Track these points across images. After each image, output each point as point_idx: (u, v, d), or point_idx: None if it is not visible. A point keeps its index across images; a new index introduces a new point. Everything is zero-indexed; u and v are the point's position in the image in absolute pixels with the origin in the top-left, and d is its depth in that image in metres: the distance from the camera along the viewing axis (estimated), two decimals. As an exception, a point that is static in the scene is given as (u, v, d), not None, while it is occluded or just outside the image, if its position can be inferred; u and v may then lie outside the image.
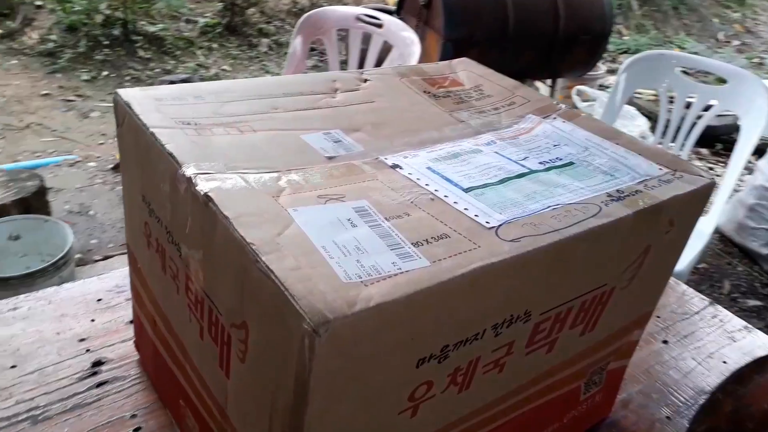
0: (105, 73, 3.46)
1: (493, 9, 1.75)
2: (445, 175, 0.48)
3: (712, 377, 0.75)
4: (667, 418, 0.68)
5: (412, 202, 0.44)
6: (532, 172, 0.50)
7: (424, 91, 0.64)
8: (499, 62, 2.02)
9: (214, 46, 3.93)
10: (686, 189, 0.51)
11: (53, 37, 3.48)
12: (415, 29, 1.91)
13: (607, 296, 0.51)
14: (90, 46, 3.51)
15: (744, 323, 0.86)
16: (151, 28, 3.76)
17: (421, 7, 1.86)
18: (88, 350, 0.68)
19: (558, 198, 0.46)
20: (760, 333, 0.84)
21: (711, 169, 3.10)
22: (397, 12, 2.03)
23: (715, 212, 1.54)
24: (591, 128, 0.59)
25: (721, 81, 1.62)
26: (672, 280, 0.93)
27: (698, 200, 0.53)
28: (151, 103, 0.51)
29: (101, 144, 2.87)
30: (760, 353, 0.80)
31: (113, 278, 0.79)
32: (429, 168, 0.49)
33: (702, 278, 2.20)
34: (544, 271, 0.42)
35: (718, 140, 3.21)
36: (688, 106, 1.62)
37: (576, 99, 2.39)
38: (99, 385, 0.64)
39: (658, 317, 0.85)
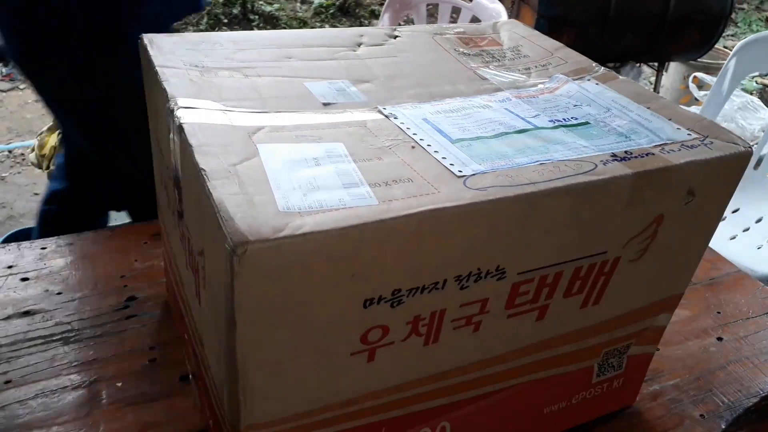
0: (223, 50, 3.67)
1: (590, -11, 1.65)
2: (439, 126, 0.46)
3: (765, 384, 0.67)
4: (701, 416, 0.62)
5: (389, 148, 0.43)
6: (535, 128, 0.47)
7: (454, 49, 0.62)
8: (597, 44, 1.91)
9: (326, 26, 4.03)
10: (710, 155, 0.45)
11: (180, 15, 3.73)
12: (511, 5, 1.84)
13: (610, 267, 0.47)
14: (211, 24, 3.72)
15: (822, 330, 0.76)
16: (268, 8, 3.93)
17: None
18: (125, 286, 0.73)
19: (552, 154, 0.43)
20: (839, 342, 0.74)
21: None
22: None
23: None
24: (623, 91, 0.54)
25: None
26: (745, 275, 0.85)
27: (728, 169, 0.47)
28: (168, 46, 0.54)
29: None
30: (834, 364, 0.71)
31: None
32: (425, 119, 0.47)
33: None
34: (515, 225, 0.40)
35: None
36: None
37: (693, 87, 2.19)
38: (128, 318, 0.68)
39: (719, 313, 0.77)
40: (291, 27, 3.88)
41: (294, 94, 0.49)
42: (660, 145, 0.46)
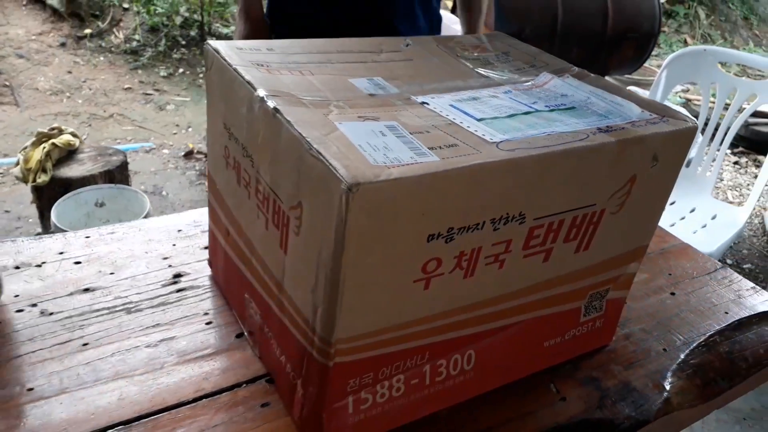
0: (181, 70, 3.73)
1: (542, 6, 1.84)
2: (464, 109, 0.59)
3: (712, 324, 0.83)
4: (664, 350, 0.77)
5: (433, 125, 0.55)
6: (537, 111, 0.61)
7: (456, 55, 0.76)
8: (547, 58, 2.12)
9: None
10: (668, 129, 0.60)
11: (137, 36, 3.77)
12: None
13: (597, 217, 0.61)
14: (169, 45, 3.78)
15: (752, 284, 0.93)
16: (225, 30, 4.01)
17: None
18: (170, 266, 0.82)
19: (554, 128, 0.57)
20: (766, 293, 0.91)
21: None
22: (453, 10, 2.14)
23: (750, 205, 1.58)
24: (596, 84, 0.69)
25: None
26: (688, 245, 1.01)
27: (681, 140, 0.62)
28: (234, 50, 0.65)
29: (174, 134, 3.11)
30: (763, 309, 0.87)
31: (190, 215, 0.93)
32: (451, 105, 0.60)
33: (747, 278, 2.19)
34: (535, 177, 0.53)
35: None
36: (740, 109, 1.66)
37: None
38: (179, 290, 0.78)
39: (670, 274, 0.93)
40: (247, 48, 3.99)
41: (343, 87, 0.61)
42: (630, 121, 0.60)
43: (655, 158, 0.61)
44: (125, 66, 3.59)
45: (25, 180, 1.76)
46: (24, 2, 3.61)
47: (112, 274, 0.80)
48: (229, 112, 0.64)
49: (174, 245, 0.86)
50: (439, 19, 1.39)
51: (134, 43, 3.69)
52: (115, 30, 3.72)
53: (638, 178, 0.61)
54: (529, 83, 0.69)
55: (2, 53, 3.27)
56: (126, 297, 0.76)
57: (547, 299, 0.65)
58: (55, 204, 1.63)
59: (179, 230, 0.90)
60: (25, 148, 1.78)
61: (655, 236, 1.04)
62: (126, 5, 3.78)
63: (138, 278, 0.79)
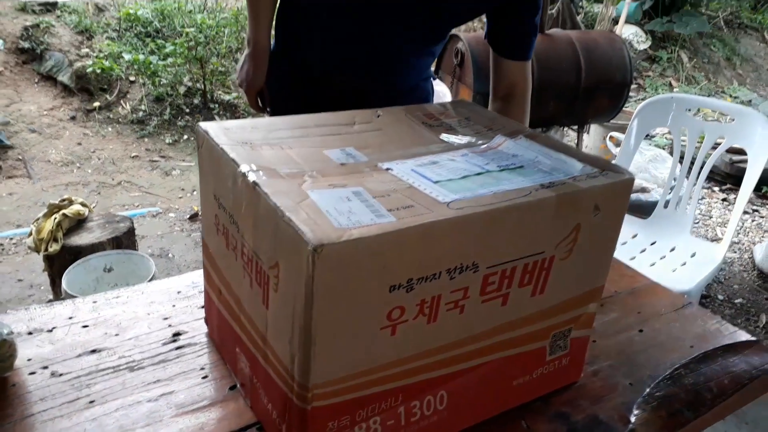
0: (185, 137, 3.88)
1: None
2: (423, 173, 0.67)
3: (678, 358, 0.88)
4: (630, 384, 0.82)
5: (394, 189, 0.63)
6: (489, 171, 0.69)
7: (422, 122, 0.84)
8: (527, 111, 2.24)
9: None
10: (607, 181, 0.68)
11: (143, 107, 3.94)
12: (450, 85, 2.14)
13: (548, 263, 0.68)
14: (173, 113, 3.95)
15: (718, 318, 0.99)
16: (227, 97, 4.19)
17: (455, 66, 2.09)
18: (170, 325, 0.89)
19: (502, 186, 0.65)
20: (731, 326, 0.97)
21: (756, 210, 3.13)
22: (436, 71, 2.27)
23: (726, 241, 1.64)
24: (546, 144, 0.77)
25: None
26: (658, 284, 1.07)
27: (620, 191, 0.70)
28: (222, 130, 0.74)
29: (180, 198, 3.22)
30: (728, 342, 0.93)
31: (189, 277, 1.01)
32: (413, 170, 0.68)
33: (738, 312, 2.23)
34: (483, 231, 0.60)
35: (765, 183, 3.25)
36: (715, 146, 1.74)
37: (610, 145, 2.53)
38: (178, 348, 0.85)
39: (639, 312, 0.99)
40: (248, 113, 4.14)
41: (318, 158, 0.70)
42: (572, 176, 0.68)
43: (597, 208, 0.68)
44: (132, 135, 3.74)
45: (37, 249, 1.85)
46: (36, 80, 3.81)
47: (116, 335, 0.87)
48: (217, 184, 0.72)
49: (174, 306, 0.93)
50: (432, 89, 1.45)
51: (140, 113, 3.86)
52: (122, 102, 3.90)
53: (582, 226, 0.68)
54: (485, 146, 0.77)
55: (16, 129, 3.44)
56: (129, 356, 0.83)
57: (511, 340, 0.71)
58: (66, 271, 1.72)
59: (179, 291, 0.97)
60: (38, 219, 1.88)
61: (626, 277, 1.11)
62: (132, 78, 3.97)
63: (140, 338, 0.86)
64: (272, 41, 1.34)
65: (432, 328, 0.63)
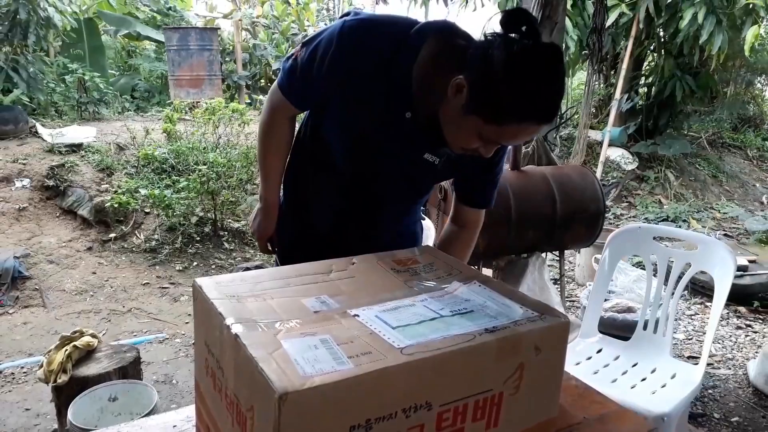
0: (195, 263, 4.04)
1: (497, 199, 2.12)
2: (385, 319, 0.78)
3: (640, 484, 0.93)
4: None
5: (357, 335, 0.74)
6: (441, 317, 0.79)
7: (391, 268, 0.96)
8: (506, 240, 2.36)
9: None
10: (544, 324, 0.78)
11: (156, 236, 4.15)
12: (436, 217, 2.30)
13: (498, 399, 0.77)
14: (185, 242, 4.14)
15: (681, 444, 1.04)
16: (235, 225, 4.40)
17: (439, 200, 2.26)
18: (165, 460, 0.96)
19: (451, 331, 0.75)
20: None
21: (749, 325, 3.16)
22: (423, 205, 2.44)
23: (702, 362, 1.70)
24: (495, 288, 0.88)
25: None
26: (627, 410, 1.13)
27: (557, 332, 0.80)
28: (213, 285, 0.85)
29: (187, 323, 3.30)
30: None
31: (184, 411, 1.09)
32: (377, 316, 0.79)
33: (735, 431, 2.21)
34: (433, 374, 0.70)
35: (755, 298, 3.31)
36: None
37: (595, 265, 2.63)
38: (171, 482, 0.91)
39: (607, 441, 1.04)
40: (254, 246, 4.33)
41: (295, 307, 0.81)
42: (514, 321, 0.78)
43: (537, 348, 0.78)
44: (144, 263, 3.91)
45: (47, 381, 1.93)
46: (57, 214, 4.05)
47: (115, 471, 0.93)
48: (208, 333, 0.83)
49: (169, 441, 1.01)
50: (421, 228, 1.58)
51: (153, 242, 4.06)
52: (136, 232, 4.12)
53: (526, 365, 0.78)
54: (443, 290, 0.88)
55: (35, 260, 3.62)
56: (125, 491, 0.89)
57: (471, 471, 0.78)
58: (72, 403, 1.78)
59: (174, 426, 1.04)
60: (49, 351, 1.97)
61: (596, 403, 1.17)
62: (147, 210, 4.22)
63: (136, 473, 0.93)
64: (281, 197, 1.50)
65: (392, 463, 0.71)
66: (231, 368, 0.74)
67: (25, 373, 2.72)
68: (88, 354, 2.03)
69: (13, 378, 2.62)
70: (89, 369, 1.98)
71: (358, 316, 0.79)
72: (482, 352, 0.73)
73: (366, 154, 1.25)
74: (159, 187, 4.27)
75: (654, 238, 1.88)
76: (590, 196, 2.27)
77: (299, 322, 0.76)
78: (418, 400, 0.70)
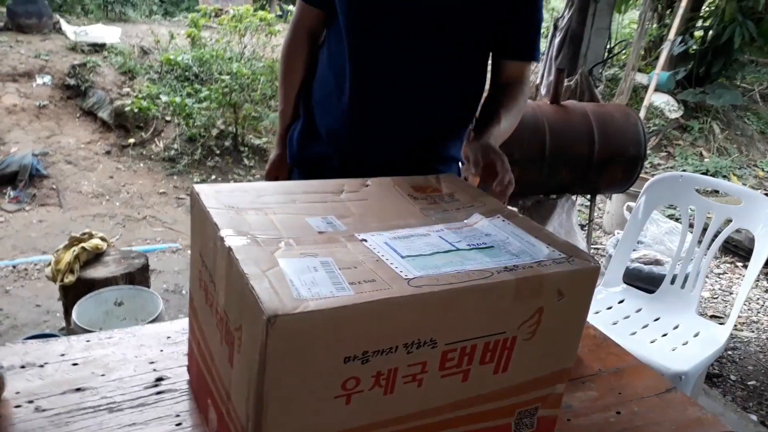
0: (213, 177, 4.00)
1: (531, 133, 1.99)
2: (395, 247, 0.71)
3: (650, 444, 0.88)
4: (597, 468, 0.82)
5: (362, 261, 0.67)
6: (458, 249, 0.72)
7: (408, 194, 0.88)
8: (537, 178, 2.26)
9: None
10: (571, 268, 0.70)
11: (175, 146, 4.10)
12: (466, 149, 2.20)
13: (510, 343, 0.70)
14: (204, 154, 4.09)
15: (701, 407, 0.98)
16: (257, 141, 4.32)
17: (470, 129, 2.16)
18: (155, 370, 0.92)
19: (466, 266, 0.68)
20: (711, 417, 0.96)
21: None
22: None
23: (731, 322, 1.62)
24: (520, 225, 0.80)
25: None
26: (644, 365, 1.07)
27: (584, 278, 0.72)
28: (213, 193, 0.78)
29: (201, 236, 3.31)
30: None
31: (180, 323, 1.05)
32: (386, 243, 0.72)
33: (751, 394, 2.17)
34: (441, 310, 0.63)
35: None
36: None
37: (627, 215, 2.53)
38: (158, 393, 0.88)
39: (620, 393, 0.99)
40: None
41: (298, 226, 0.74)
42: (537, 261, 0.71)
43: (561, 293, 0.70)
44: (162, 172, 3.88)
45: (53, 279, 1.93)
46: (78, 114, 4.00)
47: (103, 375, 0.90)
48: (203, 244, 0.76)
49: (161, 351, 0.97)
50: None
51: (172, 152, 4.01)
52: (156, 140, 4.07)
53: (546, 310, 0.70)
54: (461, 223, 0.80)
55: (53, 159, 3.60)
56: (111, 397, 0.86)
57: (472, 416, 0.73)
58: (77, 303, 1.78)
59: (168, 337, 1.00)
60: (58, 250, 1.96)
61: (613, 355, 1.11)
62: (168, 118, 4.15)
63: (125, 380, 0.90)
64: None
65: (388, 399, 0.65)
66: (222, 283, 0.68)
67: (38, 269, 2.74)
68: (96, 257, 2.02)
69: (26, 274, 2.65)
70: (96, 272, 1.97)
71: (366, 241, 0.72)
72: (498, 292, 0.66)
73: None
74: (181, 95, 4.19)
75: (695, 190, 1.77)
76: (631, 139, 2.14)
77: (300, 241, 0.69)
78: (422, 336, 0.63)
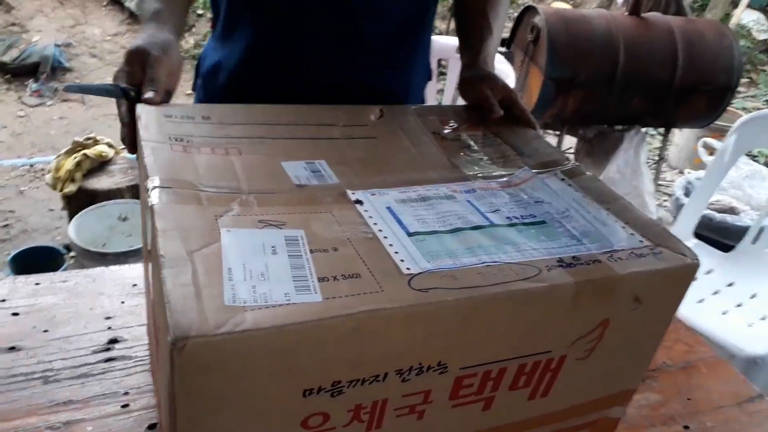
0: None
1: (602, 51, 1.67)
2: (400, 216, 0.49)
3: (726, 478, 0.67)
4: None
5: (348, 239, 0.45)
6: (491, 225, 0.49)
7: (433, 132, 0.65)
8: (604, 106, 1.94)
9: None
10: (656, 266, 0.47)
11: (204, 43, 3.85)
12: (521, 63, 1.88)
13: (556, 365, 0.49)
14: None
15: (790, 426, 0.76)
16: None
17: (528, 42, 1.82)
18: (109, 328, 0.75)
19: (500, 255, 0.45)
20: (806, 440, 0.74)
21: None
22: (507, 45, 2.00)
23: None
24: (586, 189, 0.56)
25: None
26: (721, 360, 0.85)
27: (675, 280, 0.49)
28: (159, 118, 0.57)
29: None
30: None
31: (154, 268, 0.87)
32: (389, 207, 0.50)
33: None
34: (456, 325, 0.42)
35: None
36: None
37: (702, 152, 2.20)
38: (108, 360, 0.71)
39: (689, 399, 0.78)
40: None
41: (268, 173, 0.52)
42: (609, 251, 0.48)
43: (638, 300, 0.48)
44: (192, 71, 3.65)
45: (54, 187, 1.79)
46: (104, 2, 3.75)
47: (45, 331, 0.74)
48: (142, 187, 0.56)
49: (123, 303, 0.80)
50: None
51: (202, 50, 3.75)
52: (186, 36, 3.81)
53: (612, 321, 0.48)
54: (503, 180, 0.57)
55: (77, 51, 3.41)
56: (49, 362, 0.70)
57: (494, 448, 0.53)
58: (74, 218, 1.64)
59: (134, 285, 0.83)
60: (59, 155, 1.81)
61: (683, 343, 0.89)
62: (200, 11, 3.87)
63: (70, 341, 0.73)
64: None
65: (373, 436, 0.46)
66: (149, 251, 0.48)
67: (58, 169, 2.63)
68: (101, 165, 1.85)
69: (43, 174, 2.53)
70: (100, 182, 1.81)
71: (360, 203, 0.50)
72: (548, 300, 0.44)
73: None
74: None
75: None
76: (723, 65, 1.79)
77: (265, 200, 0.48)
78: (426, 361, 0.43)
